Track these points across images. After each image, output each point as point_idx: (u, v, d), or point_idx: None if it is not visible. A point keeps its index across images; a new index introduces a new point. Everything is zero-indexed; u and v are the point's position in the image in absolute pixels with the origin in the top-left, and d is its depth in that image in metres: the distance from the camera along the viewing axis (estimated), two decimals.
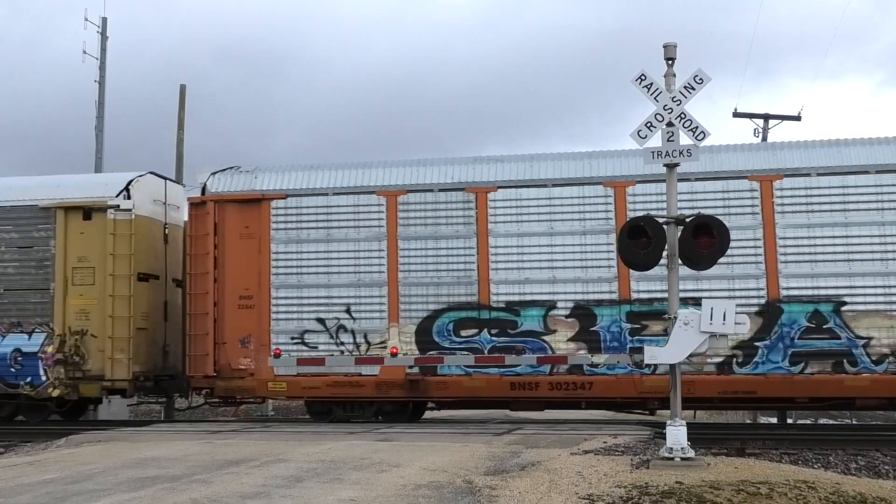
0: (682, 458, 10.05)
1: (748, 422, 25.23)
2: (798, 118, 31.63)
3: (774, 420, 23.45)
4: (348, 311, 16.26)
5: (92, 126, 27.07)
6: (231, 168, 17.33)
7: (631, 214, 14.60)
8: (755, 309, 14.79)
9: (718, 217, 10.91)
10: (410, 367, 15.88)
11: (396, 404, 16.52)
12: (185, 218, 17.99)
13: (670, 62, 10.93)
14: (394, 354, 15.96)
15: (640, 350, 13.79)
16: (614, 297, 15.38)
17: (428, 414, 20.13)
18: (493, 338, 15.66)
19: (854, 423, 26.25)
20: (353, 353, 16.13)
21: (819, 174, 15.05)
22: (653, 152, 10.84)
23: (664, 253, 10.67)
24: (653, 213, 12.08)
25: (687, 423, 10.39)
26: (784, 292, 14.84)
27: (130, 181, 17.23)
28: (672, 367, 10.50)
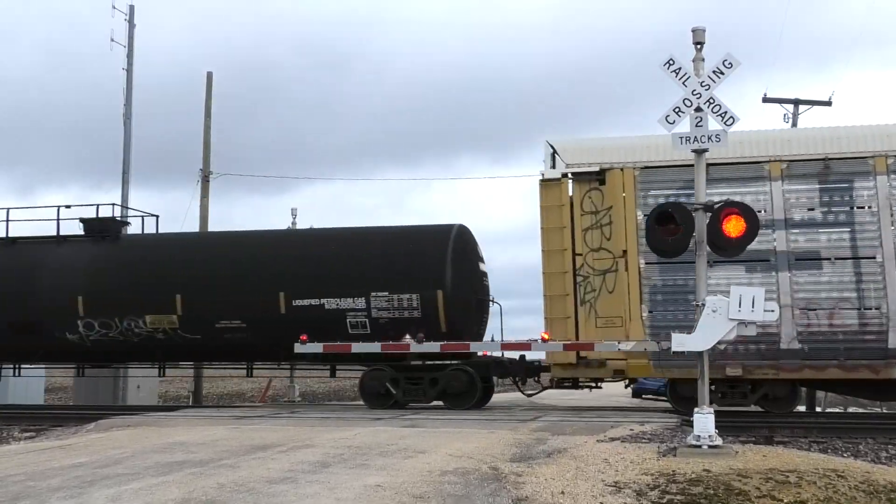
0: (710, 446, 9.97)
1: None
2: (829, 103, 31.21)
3: (803, 408, 23.24)
4: None
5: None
6: None
7: None
8: None
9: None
10: None
11: None
12: None
13: (699, 46, 10.79)
14: None
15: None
16: None
17: None
18: None
19: (884, 411, 25.99)
20: None
21: None
22: (681, 137, 10.71)
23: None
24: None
25: (715, 411, 10.32)
26: None
27: None
28: (700, 354, 10.41)
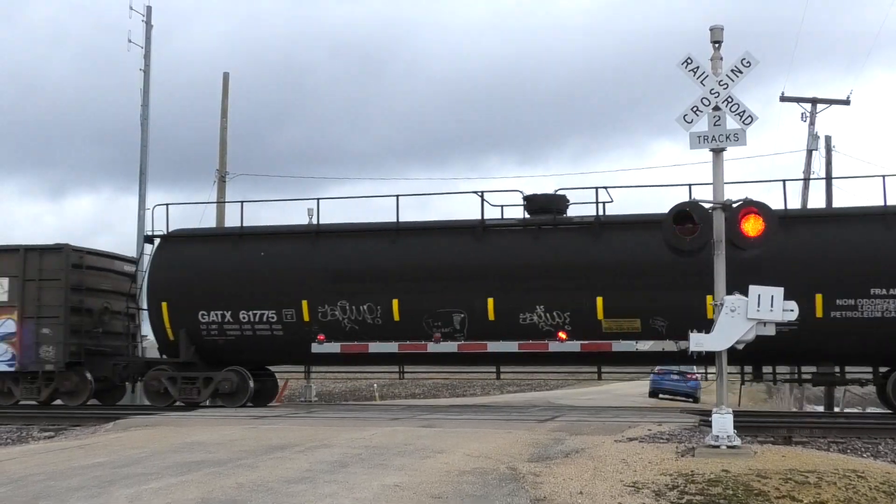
0: (729, 447, 9.93)
1: (795, 410, 24.91)
2: (847, 102, 31.05)
3: (821, 408, 23.11)
4: None
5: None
6: None
7: None
8: None
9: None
10: None
11: None
12: None
13: (717, 45, 10.73)
14: None
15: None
16: None
17: (469, 400, 20.17)
18: None
19: None
20: None
21: None
22: (699, 137, 10.65)
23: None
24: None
25: (733, 411, 10.27)
26: None
27: None
28: (718, 354, 10.37)
